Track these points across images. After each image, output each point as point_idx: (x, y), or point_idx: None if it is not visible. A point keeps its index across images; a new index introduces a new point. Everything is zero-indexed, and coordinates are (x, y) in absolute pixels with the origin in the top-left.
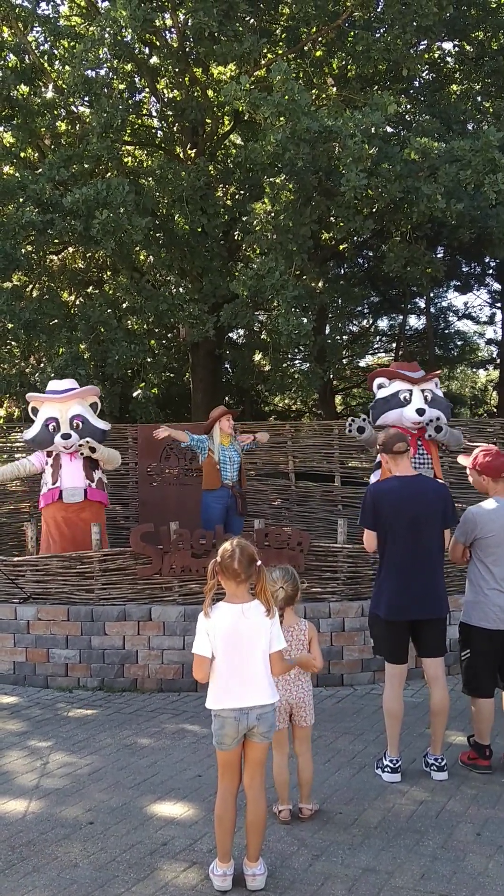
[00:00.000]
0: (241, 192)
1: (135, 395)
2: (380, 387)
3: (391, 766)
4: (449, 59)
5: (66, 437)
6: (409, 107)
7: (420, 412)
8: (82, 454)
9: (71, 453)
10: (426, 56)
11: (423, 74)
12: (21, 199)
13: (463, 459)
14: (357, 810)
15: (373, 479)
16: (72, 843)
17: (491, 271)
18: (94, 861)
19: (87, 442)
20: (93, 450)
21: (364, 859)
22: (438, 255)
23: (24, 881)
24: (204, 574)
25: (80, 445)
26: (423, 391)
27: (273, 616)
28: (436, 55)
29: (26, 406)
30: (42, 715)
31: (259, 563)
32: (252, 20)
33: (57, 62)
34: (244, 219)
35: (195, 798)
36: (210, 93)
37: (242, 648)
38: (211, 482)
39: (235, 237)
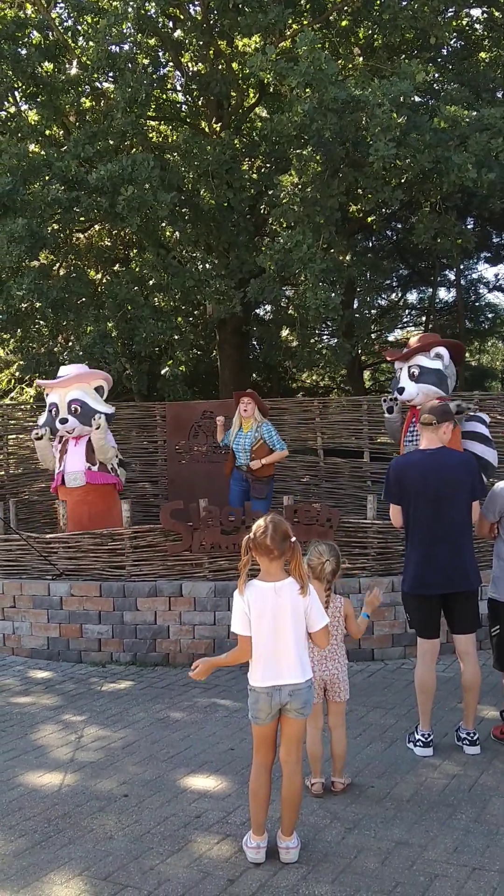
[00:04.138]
0: (268, 165)
1: (163, 372)
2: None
3: (423, 740)
4: (477, 25)
5: (63, 421)
6: (437, 75)
7: (400, 391)
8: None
9: (76, 438)
10: (454, 23)
11: (451, 42)
12: (47, 177)
13: None
14: (389, 784)
15: None
16: (107, 815)
17: None
18: (128, 833)
19: (98, 418)
20: (98, 426)
21: (397, 833)
22: (468, 226)
23: (61, 853)
24: (233, 551)
25: (95, 420)
26: (409, 368)
27: (307, 594)
28: (464, 22)
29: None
30: (76, 689)
31: (293, 539)
32: None
33: (81, 38)
34: (270, 192)
35: (228, 771)
36: (235, 65)
37: (274, 627)
38: (227, 466)
39: (262, 211)
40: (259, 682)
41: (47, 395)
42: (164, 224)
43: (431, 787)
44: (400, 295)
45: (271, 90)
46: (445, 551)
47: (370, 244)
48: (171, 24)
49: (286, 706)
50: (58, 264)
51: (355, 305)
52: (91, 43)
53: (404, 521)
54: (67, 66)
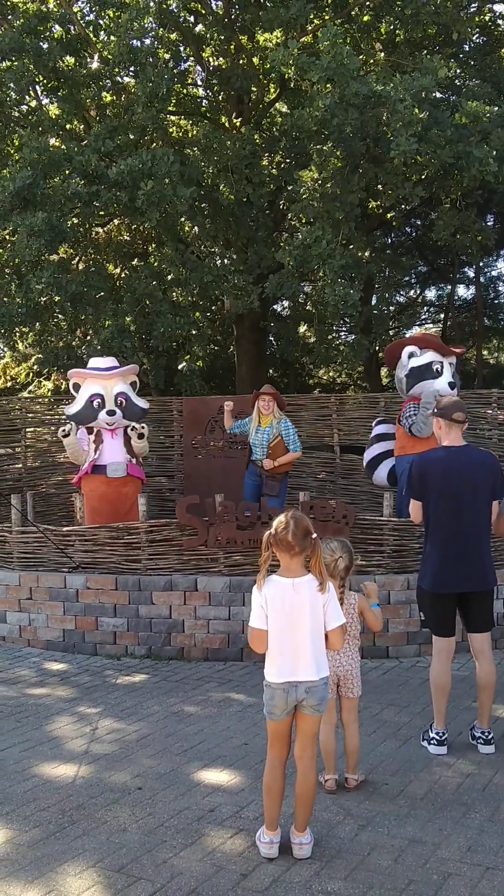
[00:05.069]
0: (287, 160)
1: (180, 367)
2: (411, 355)
3: (437, 738)
4: (500, 21)
5: (111, 413)
6: (458, 71)
7: (451, 386)
8: (134, 430)
9: (112, 430)
10: (477, 19)
11: (474, 38)
12: (67, 171)
13: None
14: (403, 781)
15: (369, 455)
16: (121, 807)
17: None
18: (142, 826)
19: (143, 427)
20: (141, 436)
21: (410, 830)
22: (489, 223)
23: (74, 844)
24: (249, 546)
25: (134, 429)
26: (451, 365)
27: (326, 591)
28: (486, 18)
29: (68, 381)
30: (91, 682)
31: (314, 535)
32: None
33: (102, 32)
34: (290, 188)
35: (241, 766)
36: (256, 60)
37: (291, 623)
38: (246, 459)
39: (281, 206)
40: (275, 677)
41: (77, 385)
42: (183, 219)
43: (445, 786)
44: (418, 292)
45: (292, 85)
46: (465, 550)
47: (389, 240)
48: (192, 19)
49: (302, 703)
50: (77, 258)
51: (373, 302)
52: (112, 37)
53: (424, 517)
54: (89, 60)
